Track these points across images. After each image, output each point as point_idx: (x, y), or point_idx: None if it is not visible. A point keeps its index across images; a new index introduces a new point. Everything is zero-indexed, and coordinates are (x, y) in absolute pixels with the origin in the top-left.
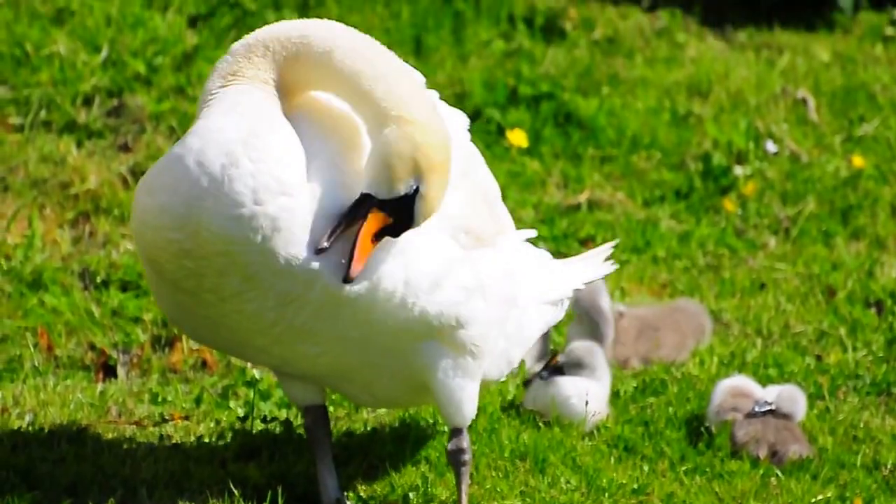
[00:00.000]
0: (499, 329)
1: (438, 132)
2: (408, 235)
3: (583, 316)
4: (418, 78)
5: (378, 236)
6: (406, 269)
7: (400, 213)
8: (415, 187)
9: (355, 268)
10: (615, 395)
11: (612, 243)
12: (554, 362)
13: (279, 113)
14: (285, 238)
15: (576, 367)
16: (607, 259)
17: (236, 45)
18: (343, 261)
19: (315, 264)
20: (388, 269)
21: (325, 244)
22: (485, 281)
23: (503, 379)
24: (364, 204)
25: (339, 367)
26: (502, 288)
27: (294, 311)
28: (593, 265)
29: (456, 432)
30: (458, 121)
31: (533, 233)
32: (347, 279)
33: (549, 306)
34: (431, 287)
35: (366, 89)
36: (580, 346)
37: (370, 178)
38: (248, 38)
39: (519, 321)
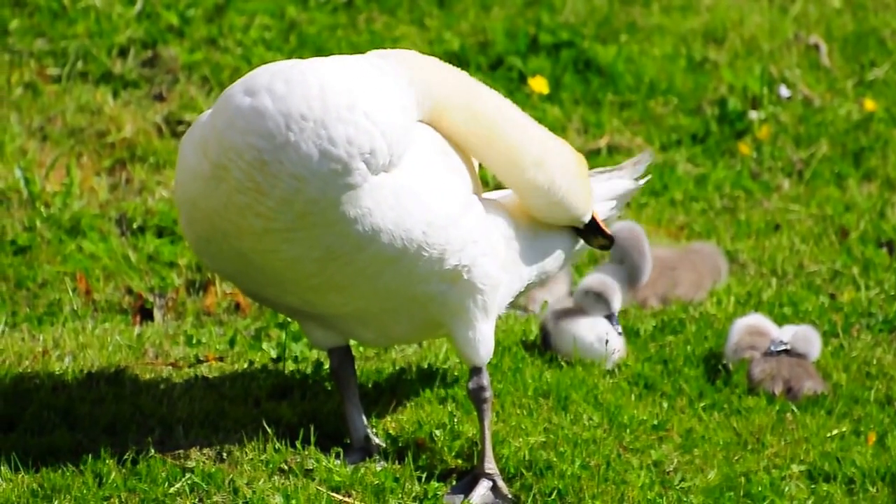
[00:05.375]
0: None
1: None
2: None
3: (623, 257)
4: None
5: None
6: (427, 213)
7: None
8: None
9: None
10: (635, 334)
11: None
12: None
13: (412, 102)
14: (349, 197)
15: (592, 304)
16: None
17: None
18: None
19: (366, 229)
20: (409, 216)
21: None
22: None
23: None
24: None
25: (362, 314)
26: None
27: (337, 268)
28: None
29: (475, 371)
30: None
31: None
32: None
33: None
34: (450, 225)
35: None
36: (594, 281)
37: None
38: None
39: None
